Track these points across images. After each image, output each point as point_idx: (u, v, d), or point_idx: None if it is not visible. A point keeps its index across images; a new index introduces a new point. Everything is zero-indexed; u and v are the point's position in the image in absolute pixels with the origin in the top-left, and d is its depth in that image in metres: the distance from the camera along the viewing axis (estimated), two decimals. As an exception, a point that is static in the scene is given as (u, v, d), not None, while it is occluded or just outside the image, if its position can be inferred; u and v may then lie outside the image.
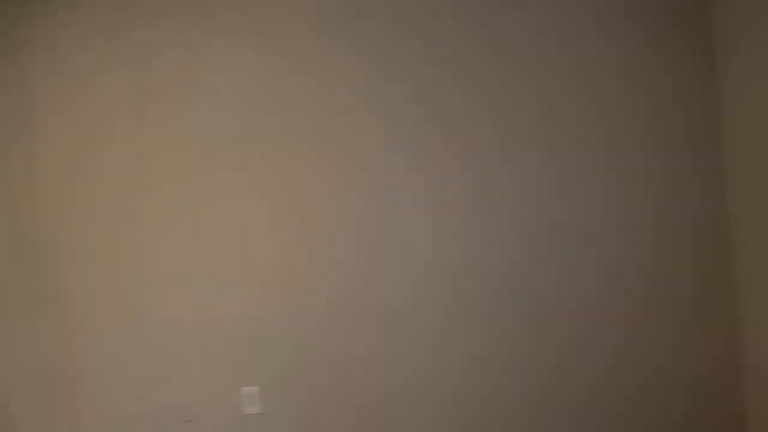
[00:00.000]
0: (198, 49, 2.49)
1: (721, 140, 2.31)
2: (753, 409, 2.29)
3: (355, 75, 2.44)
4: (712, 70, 2.31)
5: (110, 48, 2.53)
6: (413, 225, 2.43)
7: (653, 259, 2.35)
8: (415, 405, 2.48)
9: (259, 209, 2.51)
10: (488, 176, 2.39)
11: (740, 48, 2.18)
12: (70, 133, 2.56)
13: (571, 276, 2.37)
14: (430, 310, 2.44)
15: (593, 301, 2.37)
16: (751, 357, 2.27)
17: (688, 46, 2.33)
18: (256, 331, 2.57)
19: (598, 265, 2.36)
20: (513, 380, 2.41)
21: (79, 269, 2.61)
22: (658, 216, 2.34)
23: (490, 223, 2.39)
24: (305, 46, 2.45)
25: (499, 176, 2.39)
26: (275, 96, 2.48)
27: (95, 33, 2.54)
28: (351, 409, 2.54)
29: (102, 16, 2.53)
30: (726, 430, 2.35)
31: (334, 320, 2.50)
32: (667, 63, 2.33)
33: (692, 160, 2.33)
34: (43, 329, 2.68)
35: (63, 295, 2.64)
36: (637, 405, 2.37)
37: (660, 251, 2.35)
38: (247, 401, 2.62)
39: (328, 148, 2.46)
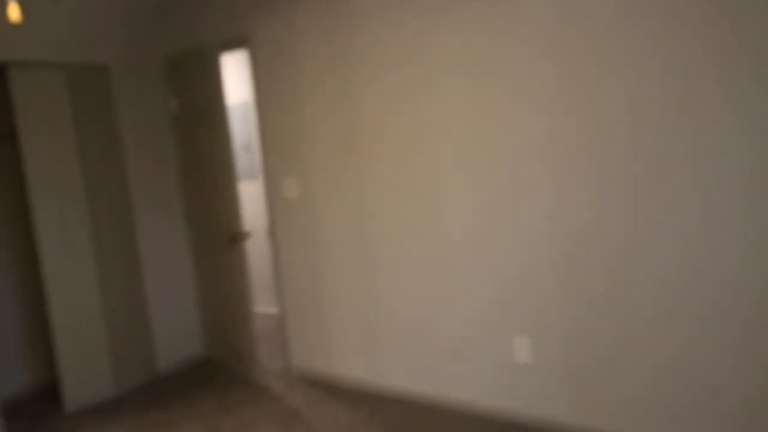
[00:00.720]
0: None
1: None
2: None
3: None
4: None
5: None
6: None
7: None
8: (696, 376, 2.33)
9: (537, 159, 2.53)
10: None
11: None
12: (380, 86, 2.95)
13: None
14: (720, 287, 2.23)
15: None
16: None
17: None
18: (532, 283, 2.57)
19: None
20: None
21: (380, 217, 3.05)
22: None
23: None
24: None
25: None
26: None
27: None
28: (618, 369, 2.45)
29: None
30: None
31: (620, 280, 2.40)
32: None
33: None
34: (354, 254, 3.18)
35: (368, 235, 3.11)
36: None
37: None
38: (518, 351, 2.65)
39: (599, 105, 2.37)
